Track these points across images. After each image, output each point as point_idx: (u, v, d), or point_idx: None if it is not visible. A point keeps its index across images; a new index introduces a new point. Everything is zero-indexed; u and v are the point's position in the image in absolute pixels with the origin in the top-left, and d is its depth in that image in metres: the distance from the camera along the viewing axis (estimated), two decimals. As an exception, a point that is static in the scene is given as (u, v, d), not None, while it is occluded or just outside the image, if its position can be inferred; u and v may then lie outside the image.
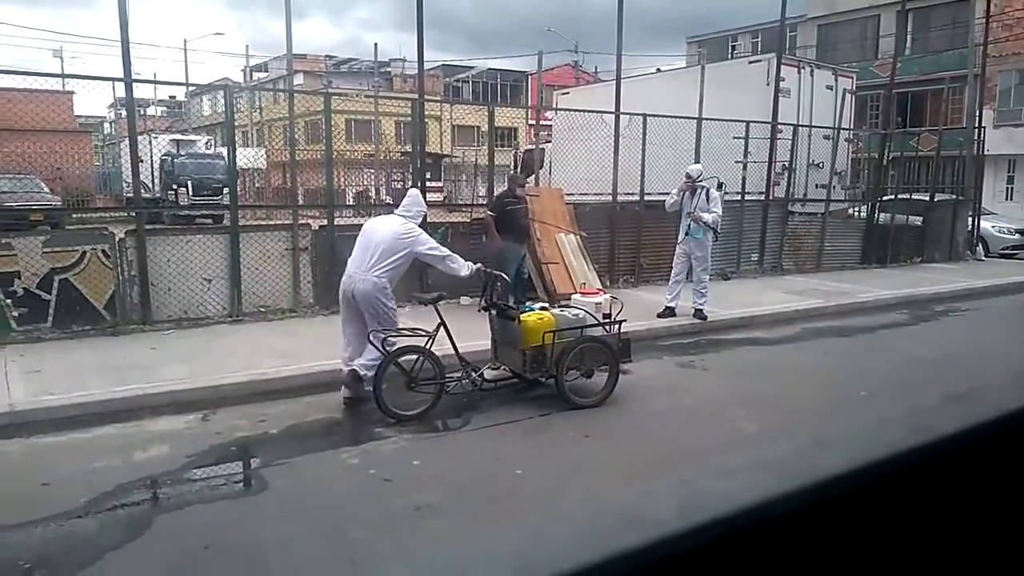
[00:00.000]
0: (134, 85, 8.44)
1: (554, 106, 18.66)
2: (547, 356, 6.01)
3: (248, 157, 24.79)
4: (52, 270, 7.75)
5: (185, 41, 53.70)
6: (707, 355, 8.13)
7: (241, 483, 4.99)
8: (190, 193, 21.41)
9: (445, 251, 6.29)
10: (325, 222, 9.57)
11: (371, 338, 5.81)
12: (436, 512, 4.25)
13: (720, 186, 10.00)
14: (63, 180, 24.08)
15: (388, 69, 45.03)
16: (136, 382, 6.29)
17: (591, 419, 5.88)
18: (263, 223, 10.40)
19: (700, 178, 9.17)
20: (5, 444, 5.21)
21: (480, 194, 16.96)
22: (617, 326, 6.47)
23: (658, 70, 21.91)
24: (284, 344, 7.68)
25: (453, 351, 6.10)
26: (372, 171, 27.66)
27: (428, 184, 11.14)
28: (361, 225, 10.49)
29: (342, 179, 21.01)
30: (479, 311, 6.64)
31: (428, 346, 5.89)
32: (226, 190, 22.14)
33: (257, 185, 25.53)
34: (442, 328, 5.97)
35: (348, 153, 26.35)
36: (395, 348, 5.90)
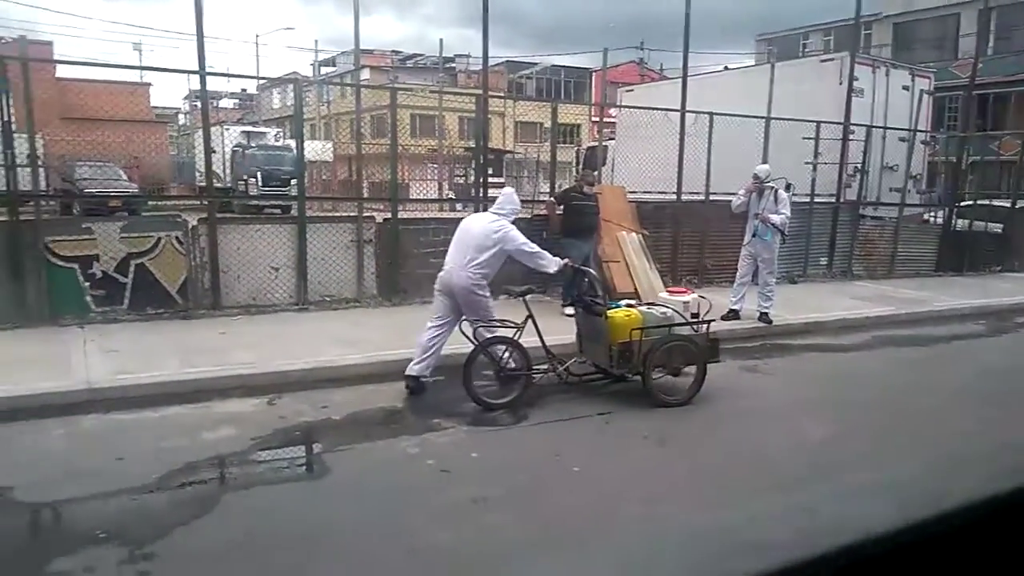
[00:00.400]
0: (207, 77, 8.67)
1: (618, 103, 18.51)
2: (634, 353, 6.04)
3: (315, 150, 25.32)
4: (129, 255, 8.05)
5: (257, 36, 55.13)
6: (772, 360, 7.95)
7: (304, 467, 5.10)
8: (259, 184, 21.96)
9: (534, 247, 6.38)
10: (389, 215, 9.70)
11: (462, 328, 6.07)
12: (493, 506, 4.26)
13: (788, 187, 9.77)
14: (140, 169, 24.99)
15: (453, 65, 45.37)
16: (206, 365, 6.49)
17: (652, 420, 5.82)
18: (329, 215, 10.57)
19: (768, 179, 8.97)
20: (83, 419, 5.43)
21: (542, 190, 16.95)
22: (706, 326, 6.44)
23: (726, 68, 21.51)
24: (347, 333, 7.82)
25: (540, 343, 6.21)
26: (435, 166, 27.93)
27: (490, 180, 11.18)
28: (424, 219, 10.73)
29: (406, 173, 21.30)
30: (564, 307, 6.72)
31: (516, 337, 6.04)
32: (294, 182, 22.81)
33: (324, 177, 26.03)
34: (530, 320, 6.14)
35: (412, 148, 26.67)
36: (485, 338, 6.06)
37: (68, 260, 7.80)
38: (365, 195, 10.17)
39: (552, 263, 6.37)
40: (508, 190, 6.90)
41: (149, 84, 34.15)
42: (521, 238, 6.36)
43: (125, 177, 21.98)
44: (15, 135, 7.67)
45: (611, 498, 4.41)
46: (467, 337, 5.99)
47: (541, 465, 4.91)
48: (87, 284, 7.90)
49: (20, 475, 4.42)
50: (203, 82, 8.59)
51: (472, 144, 15.27)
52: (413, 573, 3.53)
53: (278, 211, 17.99)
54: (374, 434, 5.47)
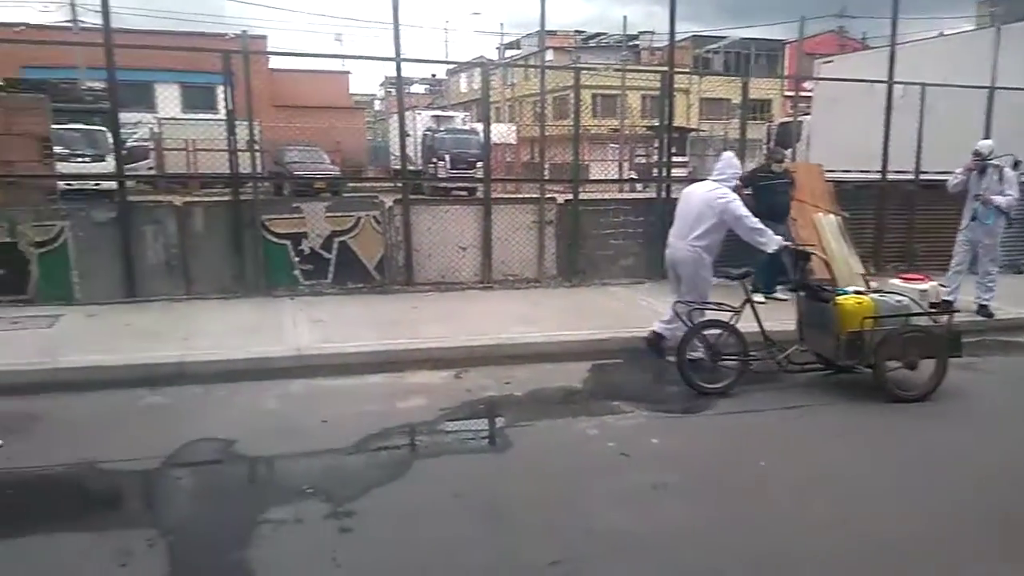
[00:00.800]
0: (401, 64, 9.09)
1: (815, 75, 17.33)
2: (864, 343, 5.66)
3: (500, 132, 25.96)
4: (333, 232, 8.69)
5: (447, 22, 57.12)
6: (992, 358, 7.17)
7: (488, 440, 5.28)
8: (447, 166, 22.89)
9: (756, 223, 6.05)
10: (570, 196, 9.76)
11: (675, 308, 5.95)
12: (673, 493, 4.19)
13: (1016, 165, 8.70)
14: (341, 152, 26.90)
15: (636, 42, 44.61)
16: (400, 337, 6.89)
17: (848, 417, 5.46)
18: (512, 196, 10.86)
19: (991, 155, 8.04)
20: (293, 383, 5.95)
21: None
22: (948, 317, 5.97)
23: (941, 35, 19.47)
24: (528, 312, 7.98)
25: (758, 328, 5.98)
26: (616, 146, 27.68)
27: (673, 159, 10.91)
28: (604, 200, 10.69)
29: (587, 154, 21.28)
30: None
31: (733, 321, 5.87)
32: (479, 164, 23.55)
33: (507, 159, 26.64)
34: (748, 305, 5.93)
35: (593, 128, 26.59)
36: (700, 321, 5.96)
37: (281, 237, 8.55)
38: (547, 176, 10.27)
39: (772, 242, 6.00)
40: (728, 154, 6.56)
41: (348, 72, 36.57)
42: (744, 210, 6.01)
43: (328, 160, 23.73)
44: (236, 123, 8.47)
45: (797, 496, 4.19)
46: (680, 319, 5.87)
47: (725, 456, 4.76)
48: (297, 259, 8.62)
49: (241, 430, 4.93)
50: (399, 69, 9.03)
51: (655, 123, 14.93)
52: (591, 552, 3.55)
53: (464, 193, 18.69)
54: (554, 413, 5.55)
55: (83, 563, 3.38)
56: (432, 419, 5.28)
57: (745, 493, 4.21)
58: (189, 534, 3.68)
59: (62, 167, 11.59)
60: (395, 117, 9.19)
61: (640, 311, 8.21)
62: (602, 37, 48.42)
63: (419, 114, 27.53)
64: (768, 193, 8.54)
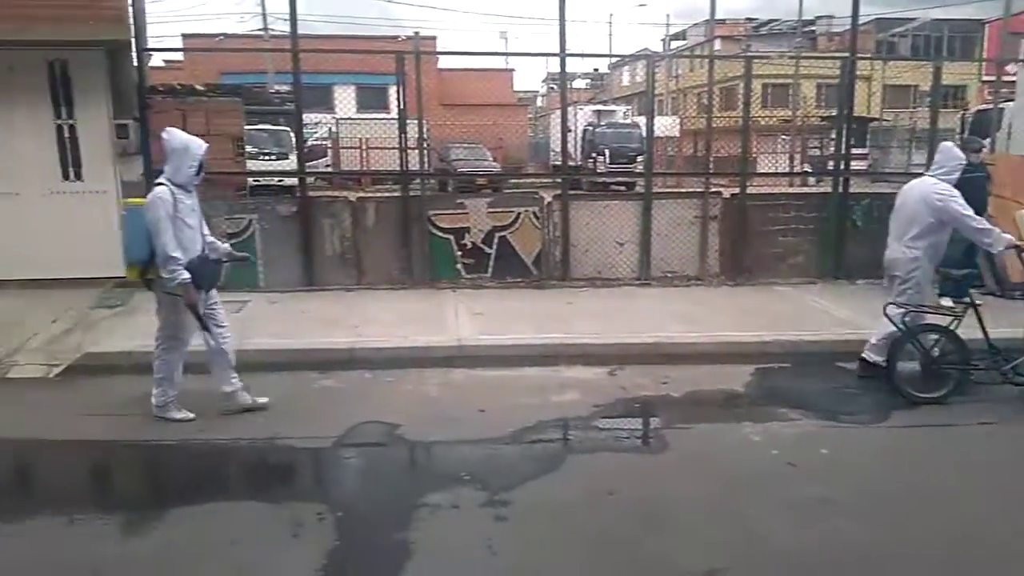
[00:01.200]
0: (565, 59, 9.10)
1: (1022, 57, 15.60)
2: None
3: (663, 125, 25.46)
4: (493, 228, 8.88)
5: (611, 15, 56.78)
6: None
7: (643, 439, 5.19)
8: (607, 161, 22.75)
9: (981, 222, 5.56)
10: (736, 190, 9.39)
11: (887, 311, 5.53)
12: (843, 509, 3.91)
13: None
14: (503, 149, 27.47)
15: (812, 28, 42.14)
16: (556, 332, 6.92)
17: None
18: (674, 191, 10.59)
19: None
20: (453, 372, 6.14)
21: (914, 162, 15.04)
22: None
23: None
24: (687, 311, 7.76)
25: (982, 335, 5.49)
26: (787, 138, 26.33)
27: (852, 151, 10.19)
28: (774, 194, 10.19)
29: (755, 146, 20.37)
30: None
31: (953, 327, 5.47)
32: (640, 158, 23.23)
33: (669, 153, 26.09)
34: (971, 309, 5.48)
35: (763, 119, 25.44)
36: (916, 325, 5.60)
37: (445, 231, 8.85)
38: (711, 170, 9.93)
39: (999, 242, 5.47)
40: (946, 144, 5.98)
41: (512, 70, 37.24)
42: (966, 208, 5.50)
43: (490, 157, 24.29)
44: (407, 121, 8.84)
45: (982, 525, 3.78)
46: (893, 323, 5.47)
47: (903, 473, 4.39)
48: (459, 253, 8.88)
49: (405, 415, 5.15)
50: (563, 64, 9.05)
51: (831, 112, 14.04)
52: (751, 562, 3.40)
53: (623, 188, 18.50)
54: (714, 416, 5.37)
55: (262, 529, 3.66)
56: (586, 415, 5.26)
57: (922, 515, 3.87)
58: (355, 511, 3.88)
59: (251, 165, 12.65)
60: (556, 113, 9.25)
61: (810, 313, 7.77)
62: (774, 24, 46.18)
63: (580, 109, 27.54)
64: (964, 186, 7.77)
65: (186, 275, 4.69)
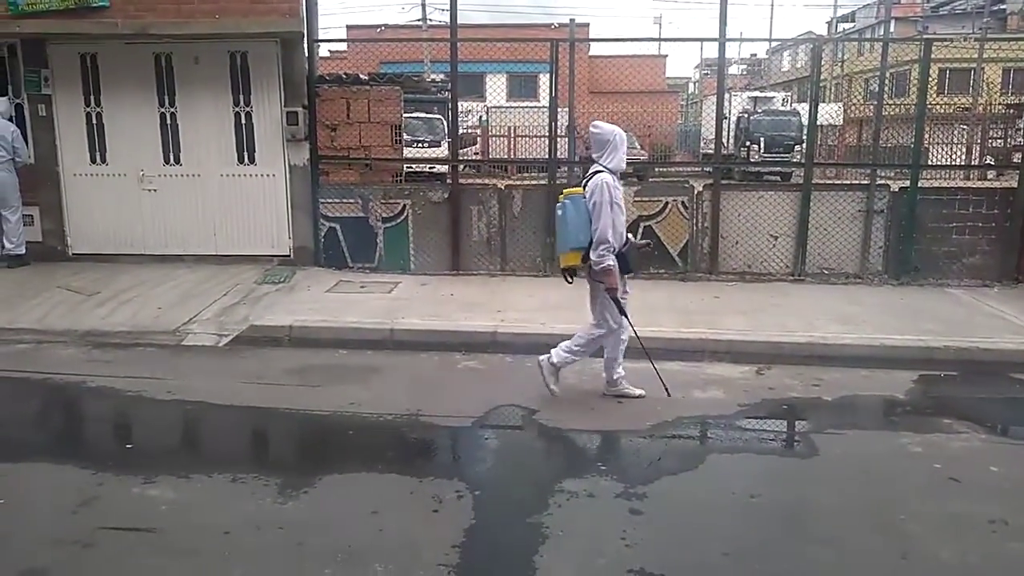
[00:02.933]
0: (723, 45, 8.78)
1: None
2: None
3: (827, 113, 24.09)
4: (639, 217, 8.74)
5: (772, -3, 54.11)
6: None
7: (790, 442, 4.96)
8: (761, 150, 21.82)
9: None
10: (905, 183, 8.72)
11: None
12: (1015, 533, 3.57)
13: None
14: (651, 137, 26.98)
15: (1003, 6, 38.31)
16: (700, 327, 6.74)
17: None
18: (835, 182, 9.99)
19: None
20: (593, 361, 6.02)
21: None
22: None
23: None
24: (844, 310, 7.32)
25: None
26: (964, 127, 24.15)
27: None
28: (948, 188, 9.39)
29: (929, 136, 18.83)
30: None
31: None
32: (797, 147, 22.10)
33: (829, 143, 24.63)
34: None
35: (938, 107, 23.47)
36: None
37: (589, 219, 8.80)
38: (875, 161, 9.27)
39: None
40: None
41: (665, 56, 36.44)
42: None
43: (638, 145, 23.92)
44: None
45: None
46: None
47: (1091, 500, 3.94)
48: (603, 242, 8.81)
49: (543, 401, 5.19)
50: (722, 49, 8.76)
51: (1019, 100, 12.73)
52: (906, 581, 3.18)
53: (778, 178, 17.68)
54: (869, 423, 5.05)
55: (406, 502, 3.82)
56: (730, 414, 5.09)
57: (1119, 550, 3.45)
58: (492, 492, 3.96)
59: (406, 152, 13.10)
60: (709, 100, 8.94)
61: (985, 319, 7.12)
62: (957, 3, 42.40)
63: (736, 96, 26.56)
64: None
65: (612, 261, 4.90)
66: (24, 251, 8.69)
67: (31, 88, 8.72)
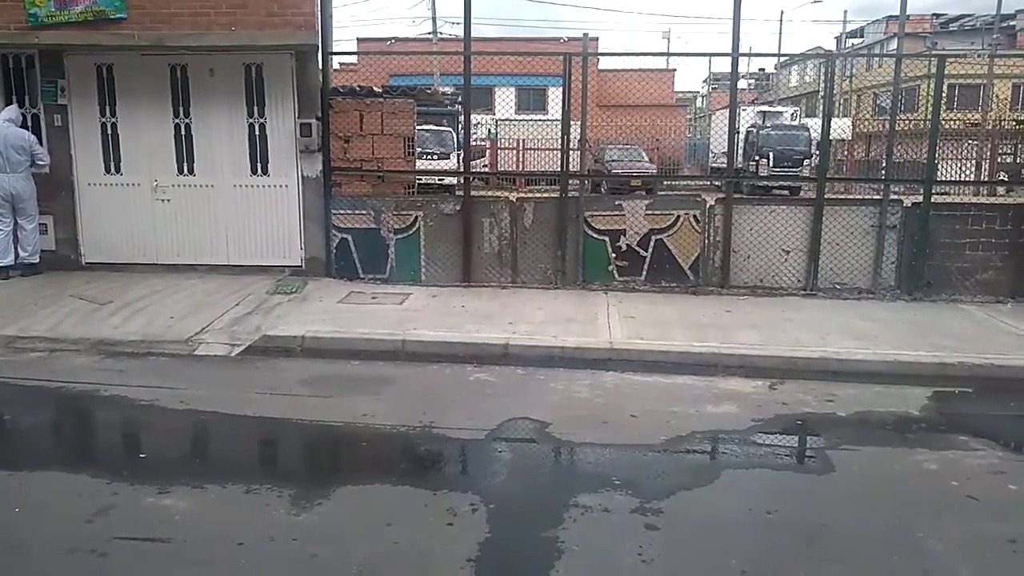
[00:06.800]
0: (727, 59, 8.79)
1: None
2: None
3: (837, 128, 24.09)
4: (650, 230, 8.74)
5: (782, 12, 54.40)
6: None
7: (804, 458, 4.93)
8: (770, 164, 21.84)
9: None
10: (916, 198, 8.71)
11: None
12: (1037, 553, 3.54)
13: None
14: (659, 150, 27.02)
15: (1012, 23, 38.34)
16: (712, 340, 6.72)
17: None
18: (848, 197, 9.98)
19: None
20: (605, 375, 6.11)
21: None
22: None
23: None
24: (856, 325, 7.29)
25: None
26: (973, 143, 24.13)
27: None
28: (961, 204, 9.35)
29: (939, 151, 18.77)
30: None
31: None
32: (806, 162, 22.10)
33: (838, 157, 24.63)
34: None
35: (948, 123, 23.46)
36: None
37: (600, 233, 8.82)
38: (887, 175, 9.25)
39: None
40: None
41: (674, 70, 36.53)
42: None
43: (646, 159, 23.97)
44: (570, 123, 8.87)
45: None
46: None
47: (1112, 520, 3.90)
48: (613, 255, 8.82)
49: (555, 414, 5.18)
50: (734, 64, 8.77)
51: (1031, 116, 12.71)
52: (927, 603, 3.14)
53: (786, 192, 17.69)
54: (884, 440, 5.00)
55: (420, 514, 3.80)
56: (743, 429, 5.06)
57: None
58: (507, 505, 3.94)
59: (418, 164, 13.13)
60: (717, 114, 8.96)
61: (999, 335, 7.09)
62: (966, 20, 42.43)
63: (744, 110, 26.60)
64: None
65: None
66: (38, 260, 8.74)
67: (48, 98, 8.80)
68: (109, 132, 8.89)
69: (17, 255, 8.63)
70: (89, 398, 5.57)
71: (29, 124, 8.76)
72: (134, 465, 4.53)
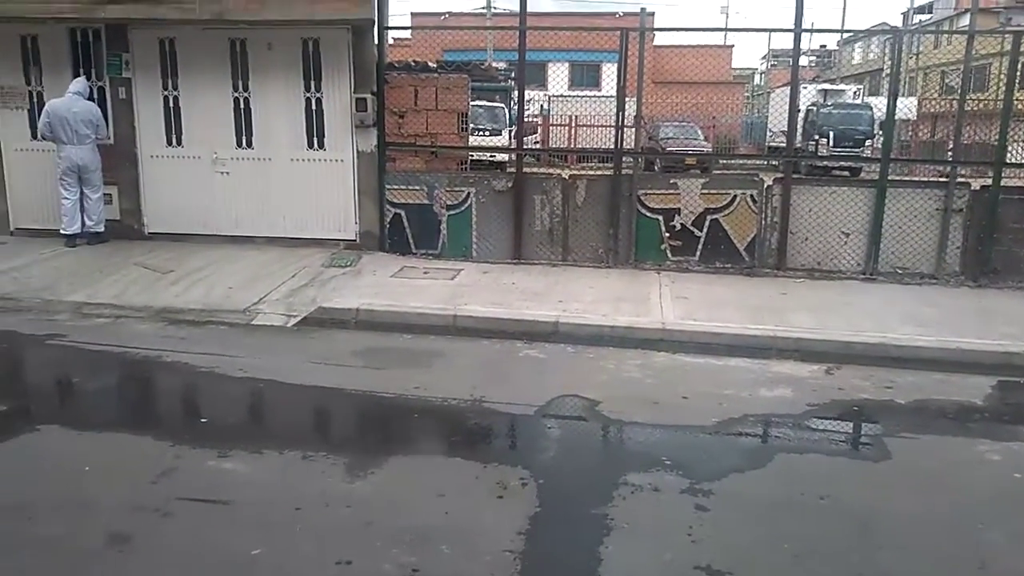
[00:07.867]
0: (788, 35, 8.55)
1: None
2: None
3: (901, 107, 23.29)
4: (706, 210, 8.60)
5: (846, -13, 52.46)
6: None
7: (860, 445, 4.84)
8: (830, 144, 21.24)
9: None
10: (984, 181, 8.39)
11: None
12: (1106, 550, 3.42)
13: None
14: (716, 128, 26.49)
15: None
16: (767, 323, 6.61)
17: None
18: (912, 179, 9.64)
19: None
20: (656, 355, 6.07)
21: None
22: None
23: None
24: (918, 311, 7.09)
25: None
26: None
27: None
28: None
29: (1012, 133, 18.01)
30: None
31: None
32: (868, 142, 21.40)
33: (902, 139, 23.82)
34: None
35: (1019, 103, 22.47)
36: None
37: (654, 212, 8.71)
38: (954, 157, 8.93)
39: None
40: None
41: (732, 46, 35.73)
42: None
43: (702, 137, 23.52)
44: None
45: None
46: None
47: None
48: (667, 234, 8.71)
49: (605, 392, 5.18)
50: (797, 40, 8.50)
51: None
52: (985, 595, 3.07)
53: (847, 173, 17.19)
54: (944, 428, 4.88)
55: (471, 487, 3.85)
56: (798, 413, 4.98)
57: None
58: (556, 481, 3.96)
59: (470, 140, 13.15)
60: (776, 92, 8.72)
61: (1070, 324, 6.81)
62: (1043, -7, 40.38)
63: (805, 88, 25.87)
64: None
65: None
66: (103, 229, 9.03)
67: (113, 71, 9.03)
68: (171, 105, 9.09)
69: (84, 224, 8.93)
70: (152, 364, 5.76)
71: (95, 97, 9.01)
72: (195, 429, 4.69)
